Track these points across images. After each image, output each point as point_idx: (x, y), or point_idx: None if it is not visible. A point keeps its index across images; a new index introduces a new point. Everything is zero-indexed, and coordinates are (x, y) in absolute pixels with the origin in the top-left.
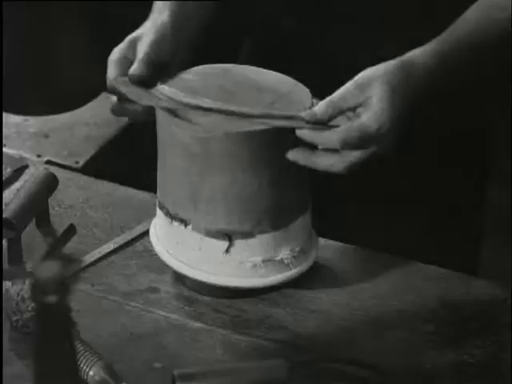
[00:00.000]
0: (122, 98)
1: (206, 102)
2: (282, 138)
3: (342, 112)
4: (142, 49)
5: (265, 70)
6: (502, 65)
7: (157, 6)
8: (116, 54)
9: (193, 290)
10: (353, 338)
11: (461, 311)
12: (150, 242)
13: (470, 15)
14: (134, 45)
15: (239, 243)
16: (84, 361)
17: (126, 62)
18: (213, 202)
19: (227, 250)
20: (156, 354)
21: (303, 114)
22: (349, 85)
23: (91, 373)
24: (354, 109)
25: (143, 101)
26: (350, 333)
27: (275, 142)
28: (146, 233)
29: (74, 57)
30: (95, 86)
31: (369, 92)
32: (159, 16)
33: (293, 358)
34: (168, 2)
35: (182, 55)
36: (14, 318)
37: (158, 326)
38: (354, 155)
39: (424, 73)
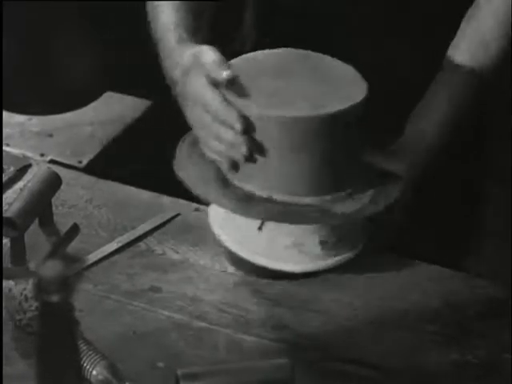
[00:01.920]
0: None
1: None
2: (331, 125)
3: None
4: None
5: (342, 64)
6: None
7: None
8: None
9: (237, 268)
10: (356, 337)
11: (463, 311)
12: (152, 242)
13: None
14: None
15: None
16: (87, 360)
17: None
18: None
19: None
20: (159, 353)
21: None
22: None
23: (94, 372)
24: None
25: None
26: (353, 333)
27: (323, 128)
28: (150, 232)
29: (77, 56)
30: (98, 85)
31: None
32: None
33: (296, 358)
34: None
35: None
36: (17, 318)
37: (161, 325)
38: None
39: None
